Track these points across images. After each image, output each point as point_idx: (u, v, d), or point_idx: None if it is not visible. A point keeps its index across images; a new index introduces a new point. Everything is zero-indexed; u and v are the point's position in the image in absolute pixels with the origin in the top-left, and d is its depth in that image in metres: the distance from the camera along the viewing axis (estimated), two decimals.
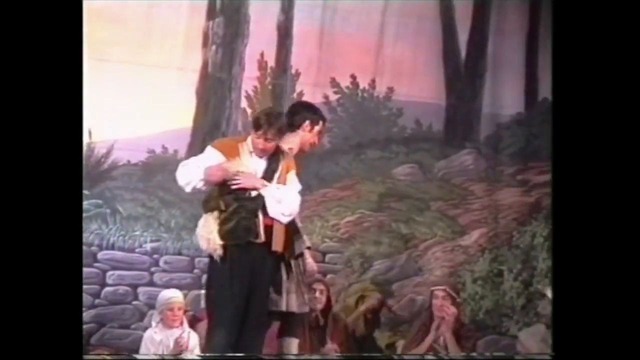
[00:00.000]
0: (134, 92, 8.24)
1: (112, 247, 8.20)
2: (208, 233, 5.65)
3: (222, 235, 5.62)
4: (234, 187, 5.58)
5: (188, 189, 5.75)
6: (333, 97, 8.93)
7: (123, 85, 8.20)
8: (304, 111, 6.08)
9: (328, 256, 8.73)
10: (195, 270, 8.23)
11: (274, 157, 5.76)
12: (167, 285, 8.05)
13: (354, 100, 8.99)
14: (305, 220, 7.86)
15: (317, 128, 6.08)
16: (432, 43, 9.10)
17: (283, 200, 5.66)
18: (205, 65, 8.50)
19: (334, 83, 8.96)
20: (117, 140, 8.25)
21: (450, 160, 9.24)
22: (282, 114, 5.86)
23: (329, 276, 8.42)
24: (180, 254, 8.18)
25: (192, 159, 5.82)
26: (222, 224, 5.64)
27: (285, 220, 5.69)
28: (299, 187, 5.81)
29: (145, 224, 8.26)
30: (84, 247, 7.91)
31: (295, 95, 8.74)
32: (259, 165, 5.75)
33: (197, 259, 8.06)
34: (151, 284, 8.25)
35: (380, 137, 9.05)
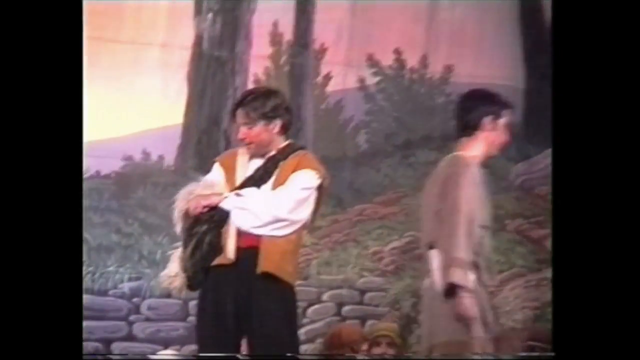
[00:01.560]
0: (105, 79, 7.57)
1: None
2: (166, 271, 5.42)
3: (182, 266, 5.34)
4: (192, 213, 5.24)
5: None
6: (371, 80, 8.28)
7: (89, 70, 7.12)
8: (479, 105, 5.50)
9: (368, 295, 8.11)
10: (190, 318, 7.54)
11: (278, 155, 5.34)
12: (151, 339, 7.60)
13: (399, 83, 8.35)
14: (337, 247, 7.93)
15: (501, 122, 5.48)
16: (505, 3, 8.45)
17: (250, 207, 5.21)
18: (198, 40, 7.89)
19: (371, 61, 8.27)
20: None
21: (531, 163, 8.48)
22: (272, 92, 5.50)
23: (369, 322, 7.86)
24: (169, 296, 7.30)
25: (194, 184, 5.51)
26: (183, 252, 5.35)
27: (264, 232, 5.21)
28: (302, 187, 5.30)
29: (121, 256, 7.71)
30: None
31: (320, 78, 8.15)
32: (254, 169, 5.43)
33: (192, 303, 7.10)
34: (130, 337, 7.64)
35: (435, 134, 8.32)
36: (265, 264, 5.20)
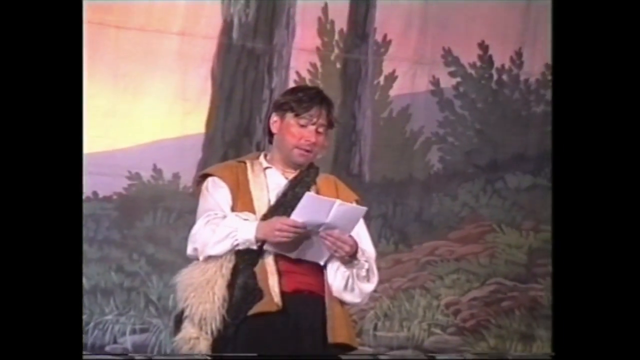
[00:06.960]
0: (106, 74, 7.09)
1: None
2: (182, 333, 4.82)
3: (207, 321, 4.80)
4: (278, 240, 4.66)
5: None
6: (447, 82, 7.73)
7: (88, 64, 6.31)
8: None
9: (439, 359, 7.62)
10: None
11: (305, 178, 4.85)
12: None
13: (483, 87, 7.80)
14: (399, 296, 7.54)
15: None
16: None
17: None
18: (226, 28, 7.37)
19: (449, 58, 7.73)
20: None
21: None
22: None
23: None
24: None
25: (209, 218, 4.71)
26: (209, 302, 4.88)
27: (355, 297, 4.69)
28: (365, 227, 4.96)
29: (123, 301, 7.20)
30: None
31: (382, 79, 7.57)
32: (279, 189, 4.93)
33: None
34: None
35: (532, 152, 7.95)
36: (340, 333, 4.71)
